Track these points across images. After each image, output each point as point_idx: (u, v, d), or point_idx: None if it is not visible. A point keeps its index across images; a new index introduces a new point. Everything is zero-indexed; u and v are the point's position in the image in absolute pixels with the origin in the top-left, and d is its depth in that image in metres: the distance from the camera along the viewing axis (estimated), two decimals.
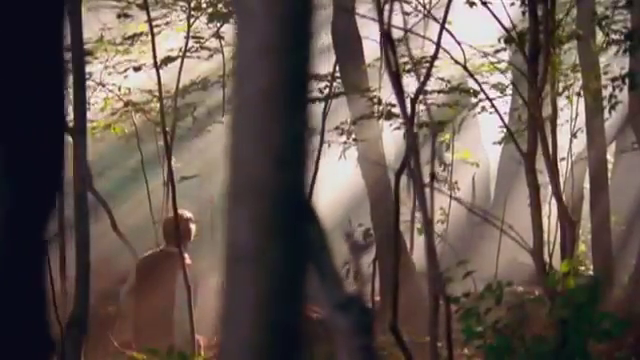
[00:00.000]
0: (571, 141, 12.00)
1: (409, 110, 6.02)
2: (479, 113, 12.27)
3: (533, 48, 5.55)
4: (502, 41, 6.64)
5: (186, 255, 9.42)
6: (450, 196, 13.24)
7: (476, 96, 7.26)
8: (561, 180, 12.38)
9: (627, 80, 7.50)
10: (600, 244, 11.60)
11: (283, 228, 1.22)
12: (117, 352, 9.58)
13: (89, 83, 11.31)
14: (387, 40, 3.83)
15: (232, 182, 1.24)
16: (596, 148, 11.48)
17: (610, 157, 16.42)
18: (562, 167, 12.67)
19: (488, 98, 7.10)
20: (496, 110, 6.88)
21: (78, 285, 6.83)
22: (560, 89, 9.34)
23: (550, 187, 11.90)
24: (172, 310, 9.20)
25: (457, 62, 6.45)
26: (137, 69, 10.52)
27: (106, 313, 12.17)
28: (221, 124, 12.32)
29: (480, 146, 18.18)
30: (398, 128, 9.26)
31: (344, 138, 10.81)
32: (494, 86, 10.93)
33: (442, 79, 10.40)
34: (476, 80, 7.02)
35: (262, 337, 1.21)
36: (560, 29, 10.24)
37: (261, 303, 1.21)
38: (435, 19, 6.97)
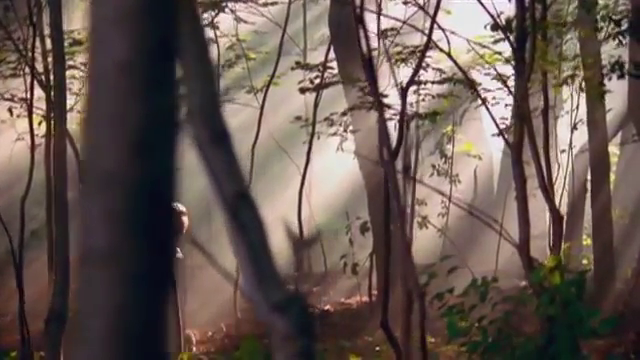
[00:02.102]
0: (572, 133, 11.80)
1: (400, 100, 5.85)
2: (479, 105, 12.05)
3: (520, 35, 5.36)
4: (489, 28, 6.43)
5: (177, 249, 9.27)
6: (450, 195, 13.07)
7: (471, 88, 7.06)
8: (562, 173, 12.21)
9: (617, 69, 7.29)
10: (601, 237, 11.41)
11: (143, 225, 1.05)
12: None
13: (80, 73, 11.16)
14: (359, 23, 3.66)
15: (86, 172, 1.06)
16: (597, 140, 11.28)
17: (615, 149, 16.21)
18: (563, 159, 12.49)
19: (476, 91, 6.90)
20: (484, 103, 6.68)
21: (57, 280, 6.71)
22: (553, 79, 9.12)
23: (558, 178, 11.78)
24: None
25: (442, 50, 6.27)
26: None
27: None
28: None
29: (483, 138, 17.96)
30: (390, 119, 9.08)
31: (334, 129, 10.62)
32: (495, 77, 10.73)
33: (440, 70, 10.19)
34: (463, 71, 6.81)
35: (118, 349, 1.04)
36: (560, 17, 10.05)
37: (117, 311, 1.04)
38: (426, 12, 6.79)
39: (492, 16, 6.02)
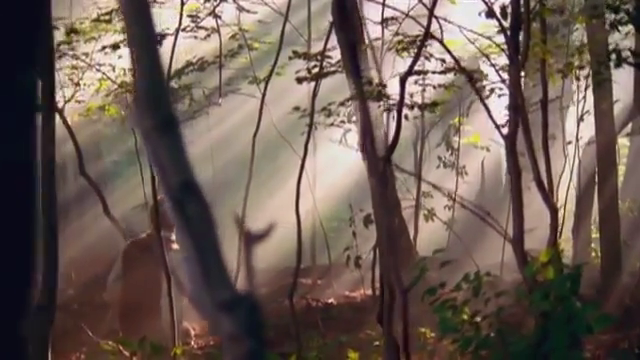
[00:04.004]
0: (578, 124, 11.62)
1: (399, 90, 5.70)
2: (487, 97, 11.86)
3: (514, 23, 5.21)
4: (483, 15, 6.27)
5: (174, 241, 9.16)
6: (456, 187, 12.93)
7: (469, 79, 6.90)
8: (569, 165, 12.03)
9: (614, 58, 7.12)
10: (608, 230, 11.24)
11: None
12: (93, 342, 9.33)
13: (81, 63, 11.05)
14: (340, 9, 3.52)
15: None
16: (604, 131, 11.10)
17: (626, 141, 16.03)
18: (571, 151, 12.32)
19: (471, 81, 6.73)
20: (479, 94, 6.53)
21: (45, 270, 6.56)
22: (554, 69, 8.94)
23: (568, 171, 11.62)
24: (159, 296, 8.92)
25: (437, 39, 6.12)
26: (115, 47, 10.20)
27: (102, 301, 11.92)
28: (219, 106, 12.03)
29: (492, 130, 17.78)
30: (388, 110, 8.91)
31: (332, 120, 10.46)
32: (499, 68, 10.54)
33: (443, 60, 10.00)
34: (458, 62, 6.65)
35: None
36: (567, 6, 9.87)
37: None
38: (423, 3, 6.64)
39: (486, 3, 5.88)
